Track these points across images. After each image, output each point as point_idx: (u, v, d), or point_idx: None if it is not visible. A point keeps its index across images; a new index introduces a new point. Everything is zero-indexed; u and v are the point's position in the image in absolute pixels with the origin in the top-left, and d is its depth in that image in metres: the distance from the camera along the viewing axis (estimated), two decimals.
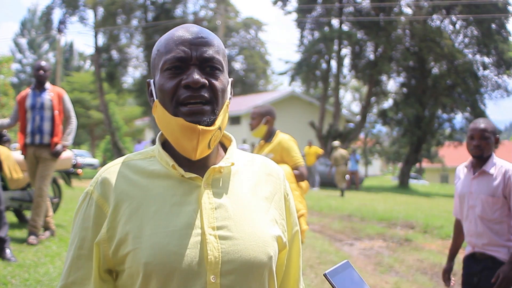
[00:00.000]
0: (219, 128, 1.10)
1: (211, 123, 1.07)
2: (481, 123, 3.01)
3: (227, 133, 1.21)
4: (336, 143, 16.26)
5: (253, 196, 1.15)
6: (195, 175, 1.10)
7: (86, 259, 1.09)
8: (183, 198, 1.08)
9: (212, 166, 1.11)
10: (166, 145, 1.16)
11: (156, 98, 1.11)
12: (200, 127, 1.05)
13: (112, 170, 1.14)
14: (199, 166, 1.12)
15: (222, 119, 1.10)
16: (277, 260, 1.16)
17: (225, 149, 1.22)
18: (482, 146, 2.95)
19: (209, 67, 1.08)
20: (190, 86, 1.05)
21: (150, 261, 1.02)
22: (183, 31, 1.10)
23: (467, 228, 3.05)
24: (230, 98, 1.16)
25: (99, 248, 1.08)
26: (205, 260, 1.03)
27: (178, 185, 1.10)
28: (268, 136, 4.13)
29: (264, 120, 4.10)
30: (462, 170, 3.18)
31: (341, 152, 15.77)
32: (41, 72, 5.61)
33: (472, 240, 3.01)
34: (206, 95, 1.06)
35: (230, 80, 1.18)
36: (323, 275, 0.93)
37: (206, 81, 1.06)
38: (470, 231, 3.02)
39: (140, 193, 1.09)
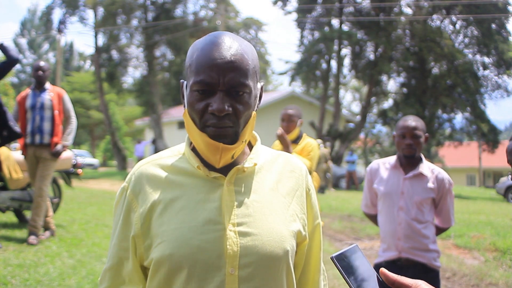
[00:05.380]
0: (243, 141, 1.18)
1: (233, 143, 1.15)
2: (412, 121, 2.90)
3: (253, 132, 1.27)
4: (318, 141, 16.50)
5: (274, 193, 1.22)
6: (219, 175, 1.17)
7: (119, 249, 1.21)
8: (207, 195, 1.16)
9: (235, 167, 1.18)
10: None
11: (186, 106, 1.18)
12: (222, 145, 1.13)
13: (144, 167, 1.23)
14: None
15: (247, 133, 1.18)
16: (297, 251, 1.25)
17: (251, 147, 1.29)
18: (415, 145, 2.86)
19: (236, 91, 1.13)
20: (215, 114, 1.11)
21: (174, 252, 1.11)
22: (215, 51, 1.12)
23: (393, 230, 2.89)
24: (258, 105, 1.23)
25: (134, 242, 1.18)
26: (224, 253, 1.11)
27: (203, 183, 1.18)
28: (295, 138, 4.17)
29: (299, 123, 4.15)
30: (382, 168, 3.04)
31: (321, 150, 16.03)
32: (40, 72, 5.62)
33: (400, 243, 2.86)
34: (229, 121, 1.13)
35: (261, 85, 1.24)
36: (330, 258, 0.93)
37: (231, 109, 1.12)
38: (398, 234, 2.87)
39: (169, 190, 1.18)
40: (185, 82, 1.20)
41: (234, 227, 1.13)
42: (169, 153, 1.26)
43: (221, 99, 1.11)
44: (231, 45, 1.14)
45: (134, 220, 1.18)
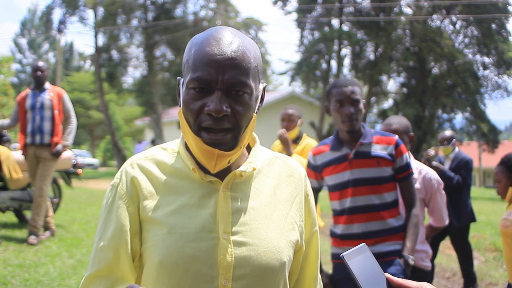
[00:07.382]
0: (241, 146, 1.09)
1: (231, 149, 1.06)
2: (395, 124, 2.98)
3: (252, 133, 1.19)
4: None
5: (273, 200, 1.15)
6: (215, 179, 1.09)
7: (108, 250, 1.08)
8: (201, 200, 1.08)
9: (233, 171, 1.10)
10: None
11: (181, 104, 1.09)
12: (218, 151, 1.04)
13: (137, 163, 1.14)
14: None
15: (246, 137, 1.09)
16: (293, 259, 1.17)
17: (249, 148, 1.20)
18: None
19: (235, 91, 1.03)
20: (212, 115, 1.02)
21: (165, 260, 1.04)
22: (214, 46, 1.03)
23: None
24: (259, 107, 1.13)
25: (129, 240, 1.09)
26: (218, 264, 1.04)
27: (198, 186, 1.10)
28: (296, 138, 4.16)
29: (299, 122, 4.14)
30: None
31: None
32: (39, 73, 5.61)
33: None
34: (228, 124, 1.03)
35: (263, 86, 1.15)
36: (340, 256, 0.93)
37: (229, 110, 1.02)
38: None
39: (162, 190, 1.10)
40: (182, 80, 1.12)
41: (229, 236, 1.05)
42: (163, 151, 1.17)
43: (219, 98, 1.01)
44: (232, 41, 1.04)
45: (128, 217, 1.09)
